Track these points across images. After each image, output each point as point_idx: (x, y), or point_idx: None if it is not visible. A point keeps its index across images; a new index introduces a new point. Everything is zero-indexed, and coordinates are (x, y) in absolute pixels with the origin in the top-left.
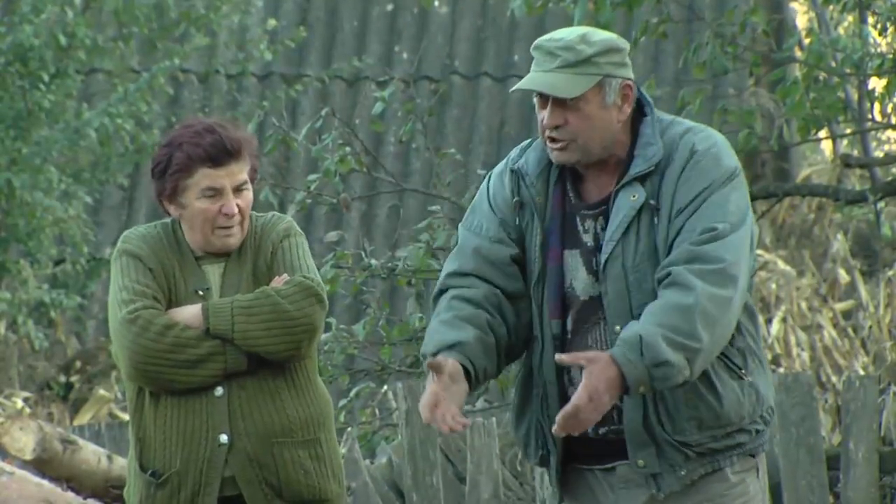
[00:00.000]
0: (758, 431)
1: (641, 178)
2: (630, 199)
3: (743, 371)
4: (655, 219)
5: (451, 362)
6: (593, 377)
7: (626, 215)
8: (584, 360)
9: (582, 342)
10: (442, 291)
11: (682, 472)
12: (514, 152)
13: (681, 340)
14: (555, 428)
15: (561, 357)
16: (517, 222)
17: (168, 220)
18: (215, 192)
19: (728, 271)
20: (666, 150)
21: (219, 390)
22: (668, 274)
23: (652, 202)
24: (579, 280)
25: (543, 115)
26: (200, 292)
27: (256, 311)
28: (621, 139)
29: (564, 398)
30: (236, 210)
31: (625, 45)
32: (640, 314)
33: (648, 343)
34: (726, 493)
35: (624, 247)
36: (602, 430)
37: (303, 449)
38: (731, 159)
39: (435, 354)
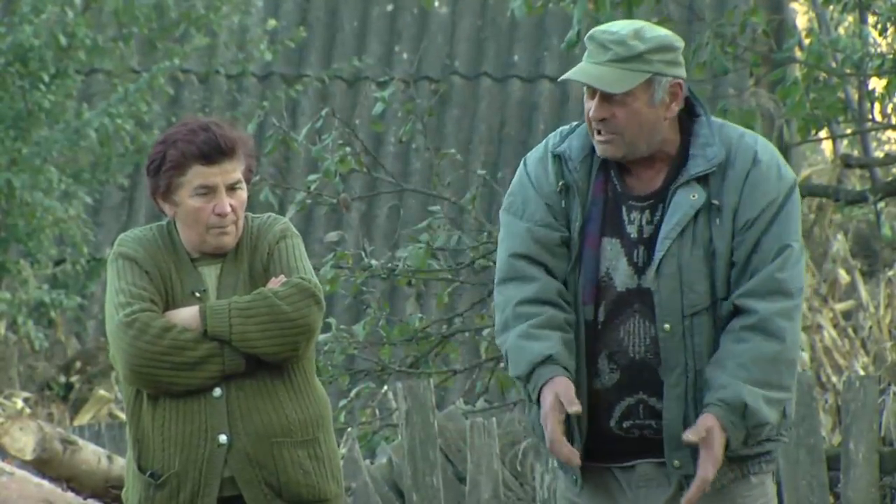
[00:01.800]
0: (784, 440)
1: (700, 179)
2: (690, 199)
3: None
4: (717, 220)
5: (564, 385)
6: (714, 449)
7: (686, 214)
8: (704, 431)
9: (613, 334)
10: (506, 297)
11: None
12: (553, 137)
13: (776, 397)
14: (686, 498)
15: (688, 438)
16: (563, 205)
17: (163, 222)
18: (208, 191)
19: (800, 304)
20: (724, 151)
21: (217, 391)
22: (754, 312)
23: (715, 202)
24: (618, 271)
25: (591, 106)
26: (197, 294)
27: (254, 313)
28: (670, 137)
29: (591, 385)
30: (229, 209)
31: (680, 43)
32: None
33: (752, 410)
34: (748, 495)
35: (680, 246)
36: (626, 424)
37: (302, 449)
38: (790, 171)
39: (530, 374)
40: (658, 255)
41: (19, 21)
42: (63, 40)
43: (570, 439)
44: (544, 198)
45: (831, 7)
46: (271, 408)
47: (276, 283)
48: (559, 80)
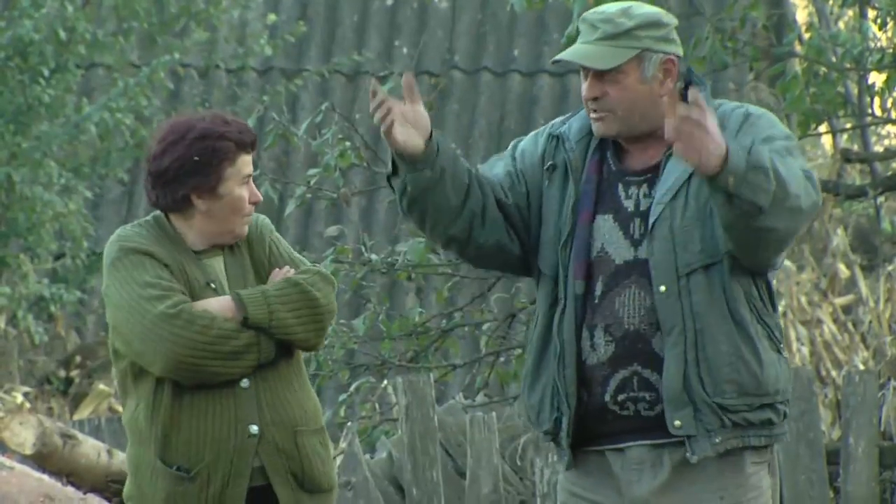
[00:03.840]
0: (784, 416)
1: None
2: (682, 164)
3: (780, 345)
4: None
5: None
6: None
7: (679, 178)
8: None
9: (609, 306)
10: None
11: (717, 440)
12: (557, 120)
13: (781, 176)
14: (690, 99)
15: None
16: (545, 183)
17: (150, 217)
18: (249, 179)
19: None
20: (719, 118)
21: (245, 382)
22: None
23: None
24: (614, 244)
25: (584, 87)
26: (213, 285)
27: (288, 300)
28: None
29: (581, 356)
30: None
31: (670, 20)
32: (686, 273)
33: (757, 150)
34: (741, 485)
35: (672, 209)
36: (621, 397)
37: (315, 437)
38: (787, 129)
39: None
40: (651, 219)
41: (19, 15)
42: (63, 35)
43: (560, 421)
44: (518, 162)
45: (831, 2)
46: (291, 397)
47: (282, 274)
48: (552, 60)
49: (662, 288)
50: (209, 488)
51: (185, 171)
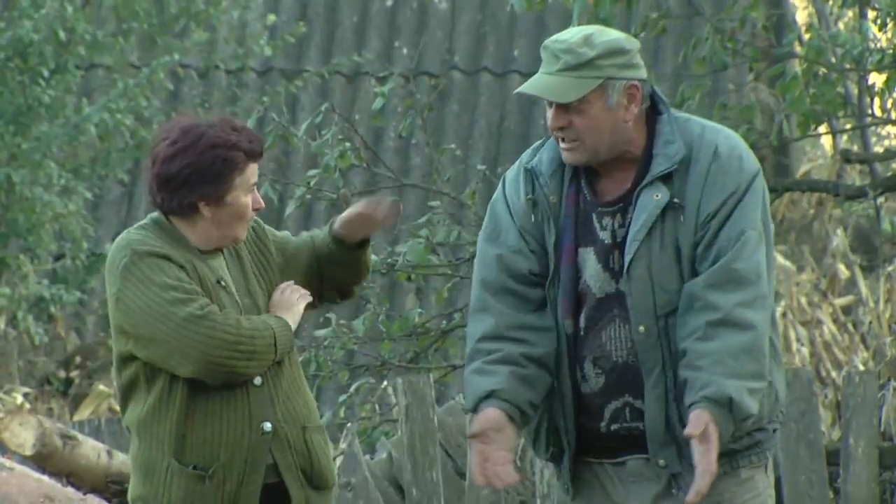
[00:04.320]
0: (774, 430)
1: (664, 178)
2: (654, 199)
3: (770, 367)
4: (682, 217)
5: (487, 417)
6: (713, 441)
7: (651, 215)
8: (702, 424)
9: (596, 340)
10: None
11: None
12: (525, 154)
13: (758, 387)
14: (690, 496)
15: (690, 432)
16: (532, 220)
17: (148, 220)
18: (254, 187)
19: (763, 290)
20: (686, 148)
21: (258, 380)
22: (717, 308)
23: (676, 201)
24: (594, 277)
25: (549, 117)
26: (223, 283)
27: None
28: (634, 137)
29: (577, 392)
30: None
31: (632, 45)
32: (664, 313)
33: (737, 402)
34: (736, 490)
35: (649, 247)
36: (614, 427)
37: (319, 434)
38: (753, 162)
39: (475, 409)
40: (627, 258)
41: (19, 16)
42: (63, 35)
43: (560, 441)
44: (519, 219)
45: (831, 2)
46: (297, 394)
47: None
48: (515, 92)
49: (642, 328)
50: (225, 487)
51: (195, 178)
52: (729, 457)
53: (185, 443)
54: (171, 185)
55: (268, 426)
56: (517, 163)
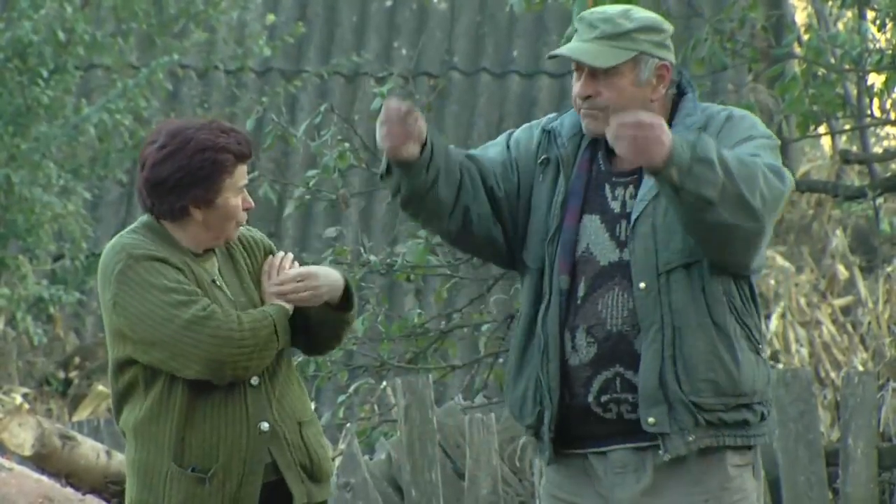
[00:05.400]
0: (762, 417)
1: None
2: None
3: (760, 346)
4: None
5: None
6: (656, 118)
7: None
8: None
9: (592, 308)
10: None
11: (690, 438)
12: (552, 115)
13: (730, 168)
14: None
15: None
16: (529, 174)
17: (139, 224)
18: (244, 188)
19: (784, 172)
20: (705, 119)
21: (255, 380)
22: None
23: None
24: (599, 245)
25: (577, 85)
26: (217, 282)
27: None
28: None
29: (564, 355)
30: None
31: (668, 27)
32: (666, 270)
33: (704, 142)
34: (725, 488)
35: (655, 206)
36: (604, 398)
37: (314, 428)
38: (767, 131)
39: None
40: (634, 215)
41: (18, 16)
42: (62, 36)
43: (542, 415)
44: (512, 151)
45: (830, 3)
46: (290, 391)
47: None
48: (549, 55)
49: (642, 285)
50: (225, 488)
51: (185, 182)
52: (717, 428)
53: (184, 445)
54: (161, 190)
55: (265, 426)
56: (542, 119)
